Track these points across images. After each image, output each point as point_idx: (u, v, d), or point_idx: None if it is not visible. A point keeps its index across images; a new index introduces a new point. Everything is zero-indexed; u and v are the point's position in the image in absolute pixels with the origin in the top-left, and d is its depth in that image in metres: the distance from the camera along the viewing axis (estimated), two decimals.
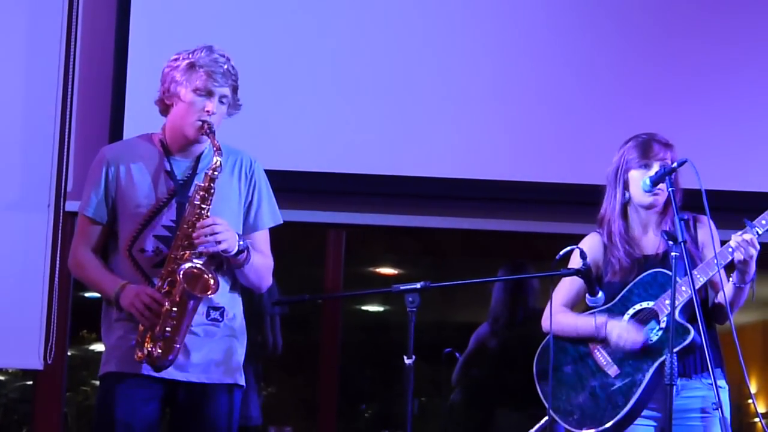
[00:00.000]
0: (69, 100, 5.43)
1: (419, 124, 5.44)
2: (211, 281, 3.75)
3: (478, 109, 5.45)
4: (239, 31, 5.37)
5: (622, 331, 4.00)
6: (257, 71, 5.26)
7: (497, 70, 5.47)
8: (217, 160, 3.78)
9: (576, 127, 5.43)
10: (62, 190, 5.39)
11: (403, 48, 5.47)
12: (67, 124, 5.42)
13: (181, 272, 3.72)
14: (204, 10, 5.45)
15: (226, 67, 3.86)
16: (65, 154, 5.39)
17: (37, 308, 5.33)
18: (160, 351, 3.73)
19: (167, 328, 3.72)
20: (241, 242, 3.82)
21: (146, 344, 3.74)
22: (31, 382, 5.69)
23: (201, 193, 3.79)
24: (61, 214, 5.39)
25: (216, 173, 3.79)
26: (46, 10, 5.46)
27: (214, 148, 3.80)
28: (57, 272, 5.35)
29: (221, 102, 3.86)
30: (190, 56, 3.86)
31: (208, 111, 3.82)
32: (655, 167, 4.07)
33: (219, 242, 3.76)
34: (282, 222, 4.04)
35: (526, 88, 5.46)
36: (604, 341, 4.04)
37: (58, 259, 5.36)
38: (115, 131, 5.27)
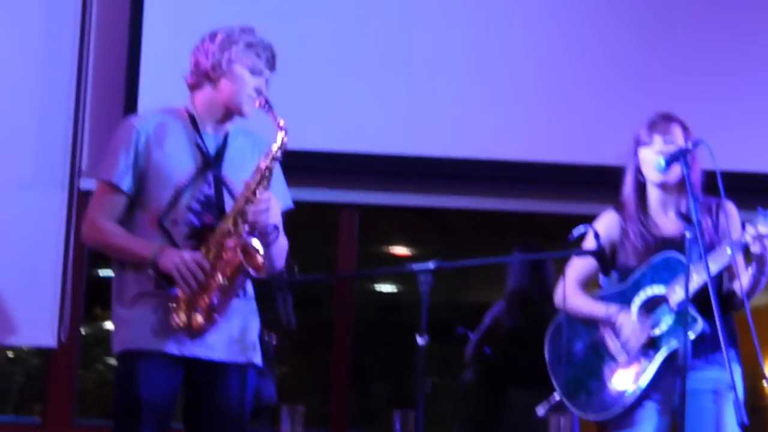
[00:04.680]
0: (84, 78, 5.44)
1: (432, 103, 5.43)
2: (261, 260, 3.75)
3: (492, 88, 5.44)
4: (251, 11, 5.34)
5: (631, 330, 4.00)
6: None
7: (511, 49, 5.46)
8: (284, 138, 3.78)
9: (590, 107, 5.42)
10: (77, 169, 5.40)
11: (416, 27, 5.46)
12: (82, 102, 5.43)
13: (241, 246, 3.71)
14: None
15: (275, 55, 3.91)
16: (80, 132, 5.40)
17: (51, 287, 5.35)
18: (201, 321, 3.72)
19: (215, 299, 3.72)
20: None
21: (184, 311, 3.72)
22: (45, 360, 5.71)
23: (263, 172, 3.78)
24: (76, 192, 5.40)
25: (279, 153, 3.80)
26: None
27: (278, 125, 3.79)
28: (71, 250, 5.37)
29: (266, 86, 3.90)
30: (246, 35, 3.88)
31: (260, 91, 3.85)
32: (657, 141, 4.07)
33: (271, 221, 3.77)
34: (293, 207, 4.05)
35: (541, 66, 5.45)
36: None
37: (72, 237, 5.37)
38: (130, 109, 5.27)
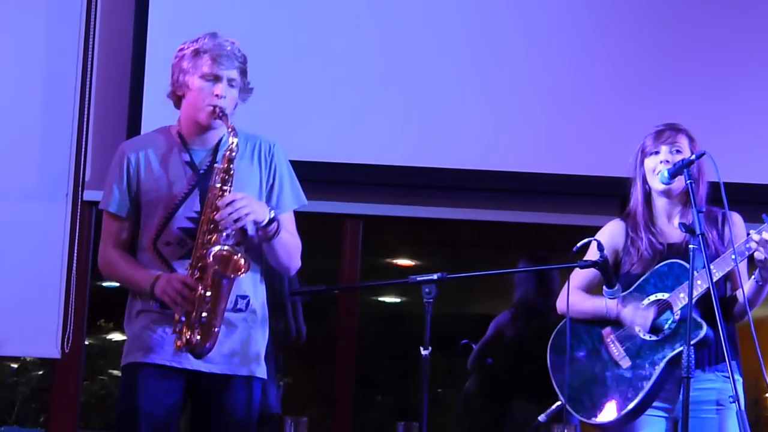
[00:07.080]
0: (88, 89, 5.44)
1: (436, 115, 5.43)
2: (242, 261, 3.74)
3: (497, 99, 5.44)
4: (257, 23, 5.37)
5: (637, 313, 4.00)
6: (276, 62, 5.27)
7: (514, 61, 5.46)
8: (233, 141, 3.79)
9: (593, 119, 5.42)
10: (80, 180, 5.41)
11: (420, 39, 5.46)
12: (86, 113, 5.43)
13: (212, 254, 3.71)
14: (222, 2, 5.45)
15: (230, 49, 3.87)
16: (83, 143, 5.41)
17: (55, 297, 5.35)
18: (198, 337, 3.72)
19: (203, 314, 3.72)
20: (272, 212, 3.83)
21: (184, 332, 3.74)
22: (48, 371, 5.70)
23: (221, 175, 3.79)
24: (79, 203, 5.41)
25: (233, 154, 3.80)
26: (66, 1, 5.48)
27: (229, 130, 3.81)
28: (75, 261, 5.37)
29: (230, 86, 3.87)
30: (195, 44, 3.89)
31: (217, 95, 3.83)
32: (663, 151, 4.07)
33: (246, 215, 3.75)
34: (306, 203, 4.05)
35: (544, 79, 5.45)
36: (617, 326, 4.05)
37: (75, 248, 5.37)
38: (134, 120, 5.28)
